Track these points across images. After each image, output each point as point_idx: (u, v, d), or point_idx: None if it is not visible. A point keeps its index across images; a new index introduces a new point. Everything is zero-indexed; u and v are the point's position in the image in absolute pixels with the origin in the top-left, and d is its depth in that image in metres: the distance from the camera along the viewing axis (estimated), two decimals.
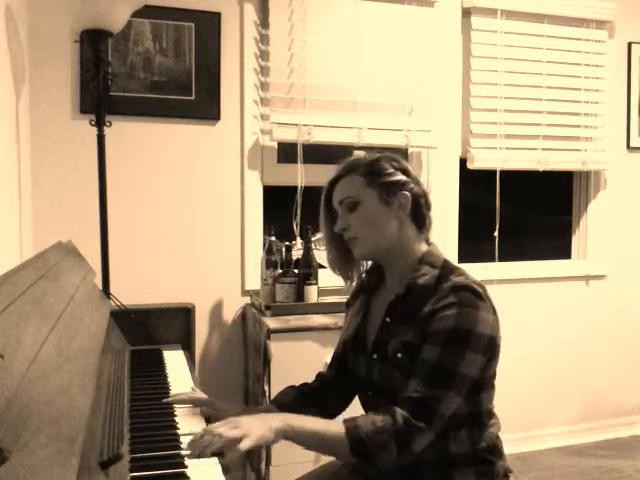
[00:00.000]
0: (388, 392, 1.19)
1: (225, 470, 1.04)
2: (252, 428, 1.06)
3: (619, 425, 3.17)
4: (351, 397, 1.42)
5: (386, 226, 1.27)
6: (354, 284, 1.42)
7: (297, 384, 1.44)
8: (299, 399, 1.38)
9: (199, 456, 1.03)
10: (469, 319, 1.15)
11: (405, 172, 1.30)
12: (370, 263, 1.41)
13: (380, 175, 1.27)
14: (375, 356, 1.28)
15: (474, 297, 1.17)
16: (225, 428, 1.05)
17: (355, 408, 1.36)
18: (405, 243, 1.29)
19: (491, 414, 1.28)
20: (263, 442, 1.07)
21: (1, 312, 0.76)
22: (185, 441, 1.13)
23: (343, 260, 1.37)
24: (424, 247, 1.31)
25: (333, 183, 1.33)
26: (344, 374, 1.40)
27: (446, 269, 1.25)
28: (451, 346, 1.14)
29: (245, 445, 1.03)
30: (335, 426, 1.13)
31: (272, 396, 1.64)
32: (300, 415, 1.16)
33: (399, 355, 1.21)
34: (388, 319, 1.28)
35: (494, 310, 1.21)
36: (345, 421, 1.13)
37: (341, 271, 1.39)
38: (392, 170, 1.28)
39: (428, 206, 1.32)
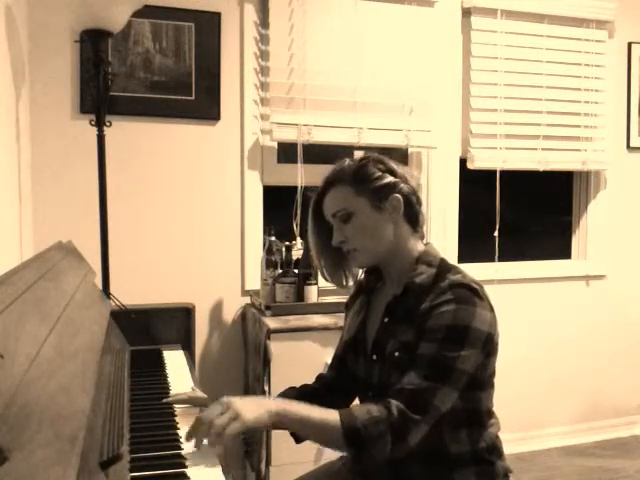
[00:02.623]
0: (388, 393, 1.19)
1: (226, 474, 1.04)
2: (246, 410, 1.05)
3: (619, 425, 3.17)
4: (352, 398, 1.41)
5: (383, 232, 1.26)
6: (351, 284, 1.42)
7: (297, 385, 1.44)
8: (300, 398, 1.38)
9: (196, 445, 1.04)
10: (466, 315, 1.15)
11: (392, 172, 1.28)
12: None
13: (368, 181, 1.25)
14: (374, 357, 1.28)
15: (471, 294, 1.17)
16: (216, 412, 1.05)
17: None
18: (402, 244, 1.28)
19: (491, 414, 1.28)
20: (257, 424, 1.07)
21: (1, 312, 0.76)
22: (185, 441, 1.14)
23: (336, 268, 1.37)
24: (420, 246, 1.30)
25: (321, 195, 1.31)
26: (344, 375, 1.40)
27: (443, 268, 1.25)
28: (448, 341, 1.14)
29: (235, 429, 1.02)
30: (331, 414, 1.12)
31: (272, 396, 1.64)
32: (296, 401, 1.15)
33: (397, 354, 1.21)
34: (387, 319, 1.28)
35: (491, 308, 1.21)
36: (340, 410, 1.13)
37: (334, 279, 1.38)
38: (379, 174, 1.26)
39: (419, 202, 1.31)
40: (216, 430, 1.02)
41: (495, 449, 1.27)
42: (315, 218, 1.34)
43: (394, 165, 1.30)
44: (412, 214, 1.29)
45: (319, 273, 1.40)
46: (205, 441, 1.05)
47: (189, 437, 1.07)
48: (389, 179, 1.26)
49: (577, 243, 3.21)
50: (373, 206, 1.25)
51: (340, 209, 1.27)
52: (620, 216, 3.14)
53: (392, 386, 1.17)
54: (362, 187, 1.25)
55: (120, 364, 1.52)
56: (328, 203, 1.30)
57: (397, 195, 1.26)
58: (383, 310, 1.30)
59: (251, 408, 1.07)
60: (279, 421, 1.09)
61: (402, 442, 1.10)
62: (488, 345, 1.18)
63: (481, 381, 1.22)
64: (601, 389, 3.13)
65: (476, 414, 1.24)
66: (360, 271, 1.41)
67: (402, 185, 1.27)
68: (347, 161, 1.30)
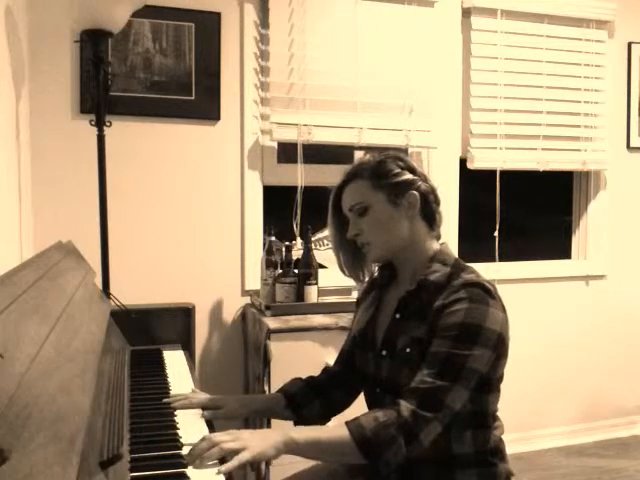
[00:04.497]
0: (396, 388, 1.19)
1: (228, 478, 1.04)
2: (252, 443, 1.06)
3: (619, 425, 3.17)
4: (357, 393, 1.42)
5: (398, 228, 1.27)
6: (366, 280, 1.42)
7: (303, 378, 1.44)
8: (305, 390, 1.39)
9: (198, 465, 1.03)
10: (479, 314, 1.15)
11: (411, 170, 1.29)
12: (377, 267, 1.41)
13: (386, 177, 1.26)
14: (384, 352, 1.28)
15: (484, 294, 1.18)
16: (225, 438, 1.05)
17: (360, 408, 1.36)
18: (417, 241, 1.29)
19: (495, 417, 1.29)
20: (263, 458, 1.07)
21: (1, 312, 0.76)
22: (185, 441, 1.14)
23: (353, 263, 1.37)
24: (436, 245, 1.31)
25: (340, 189, 1.32)
26: (350, 370, 1.40)
27: (457, 267, 1.26)
28: (461, 340, 1.14)
29: (243, 457, 1.03)
30: (338, 430, 1.12)
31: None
32: (301, 427, 1.16)
33: (408, 350, 1.21)
34: (398, 315, 1.29)
35: (504, 309, 1.21)
36: (347, 423, 1.13)
37: (351, 273, 1.39)
38: (398, 170, 1.27)
39: (437, 202, 1.31)
40: (223, 452, 1.03)
41: (498, 451, 1.27)
42: (334, 212, 1.35)
43: (414, 164, 1.31)
44: (429, 212, 1.30)
45: (337, 266, 1.40)
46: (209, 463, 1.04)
47: (193, 458, 1.05)
48: (407, 176, 1.27)
49: (577, 243, 3.20)
50: (389, 201, 1.26)
51: (357, 203, 1.28)
52: (620, 216, 3.14)
53: (403, 383, 1.17)
54: (380, 182, 1.26)
55: (120, 364, 1.52)
56: (346, 197, 1.31)
57: (414, 192, 1.27)
58: (395, 306, 1.30)
59: (259, 442, 1.07)
60: (289, 451, 1.10)
61: (415, 441, 1.10)
62: (499, 345, 1.18)
63: (490, 383, 1.22)
64: (601, 389, 3.13)
65: (482, 416, 1.24)
66: (376, 268, 1.41)
67: (420, 183, 1.28)
68: (367, 156, 1.32)
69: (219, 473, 1.00)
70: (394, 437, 1.09)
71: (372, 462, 1.11)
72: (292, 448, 1.10)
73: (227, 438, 1.06)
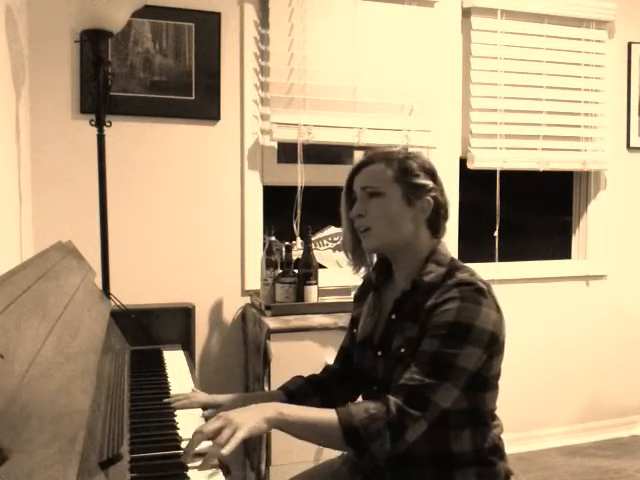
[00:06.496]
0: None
1: (226, 472, 1.04)
2: (243, 420, 1.06)
3: (619, 425, 3.17)
4: (359, 390, 1.42)
5: (403, 225, 1.27)
6: (361, 274, 1.42)
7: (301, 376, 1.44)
8: (306, 387, 1.39)
9: (202, 467, 1.04)
10: (470, 314, 1.16)
11: (433, 178, 1.30)
12: (376, 259, 1.41)
13: (410, 174, 1.27)
14: (380, 353, 1.29)
15: (476, 294, 1.18)
16: (215, 426, 1.05)
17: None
18: (417, 244, 1.29)
19: (494, 415, 1.29)
20: (257, 432, 1.08)
21: (1, 312, 0.76)
22: (185, 442, 1.14)
23: (357, 245, 1.36)
24: (433, 245, 1.31)
25: (360, 167, 1.32)
26: (351, 367, 1.41)
27: (452, 267, 1.26)
28: (450, 339, 1.15)
29: (239, 437, 1.03)
30: (328, 414, 1.13)
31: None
32: (293, 405, 1.16)
33: (402, 350, 1.22)
34: (394, 316, 1.29)
35: (498, 308, 1.21)
36: (338, 409, 1.14)
37: (353, 256, 1.38)
38: (422, 173, 1.28)
39: (446, 217, 1.32)
40: (221, 447, 1.03)
41: (497, 450, 1.27)
42: (348, 190, 1.35)
43: (437, 172, 1.32)
44: (435, 223, 1.30)
45: (341, 246, 1.40)
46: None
47: (188, 455, 1.05)
48: (429, 182, 1.28)
49: (577, 243, 3.20)
50: (405, 197, 1.26)
51: (372, 185, 1.28)
52: (620, 216, 3.14)
53: (395, 382, 1.17)
54: (402, 177, 1.27)
55: (120, 364, 1.52)
56: (363, 175, 1.31)
57: (429, 199, 1.27)
58: (391, 307, 1.30)
59: (249, 419, 1.07)
60: (278, 426, 1.10)
61: (400, 439, 1.11)
62: (492, 345, 1.18)
63: (484, 382, 1.22)
64: (601, 389, 3.13)
65: (479, 414, 1.24)
66: (374, 257, 1.41)
67: (437, 194, 1.29)
68: (399, 147, 1.33)
69: (213, 461, 1.01)
70: (380, 432, 1.10)
71: (354, 451, 1.12)
72: (282, 424, 1.10)
73: (217, 426, 1.05)
